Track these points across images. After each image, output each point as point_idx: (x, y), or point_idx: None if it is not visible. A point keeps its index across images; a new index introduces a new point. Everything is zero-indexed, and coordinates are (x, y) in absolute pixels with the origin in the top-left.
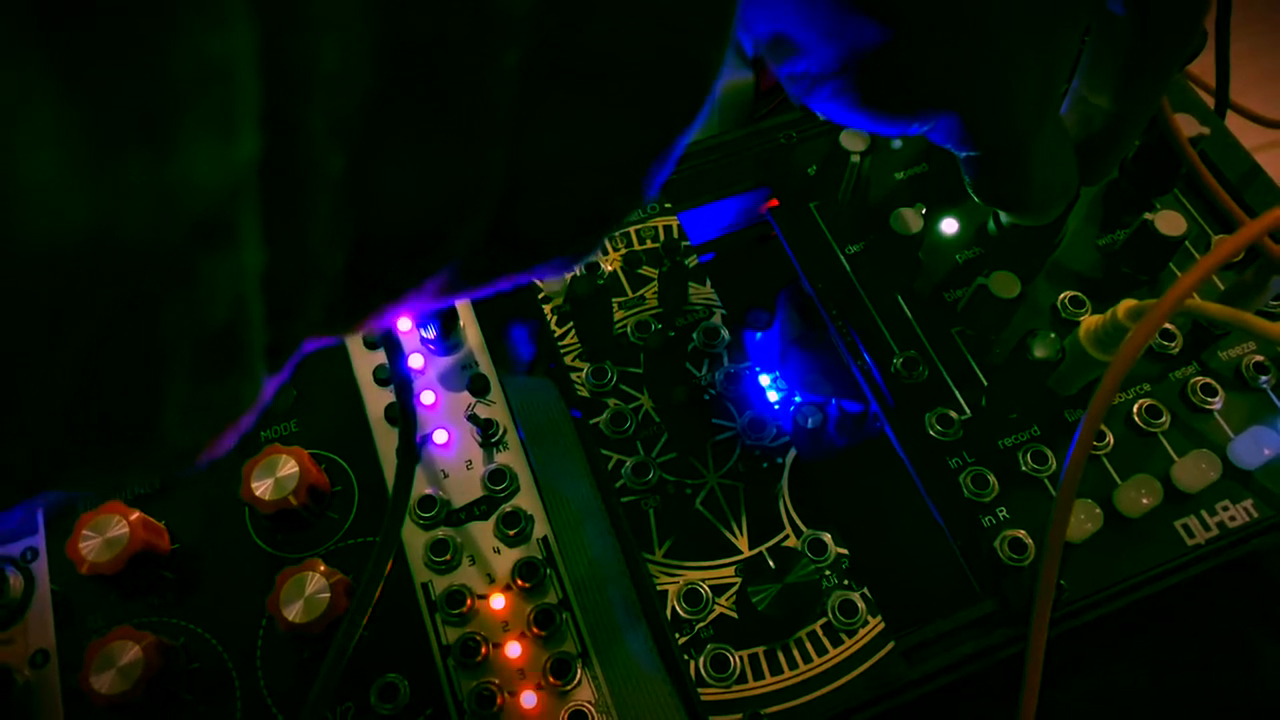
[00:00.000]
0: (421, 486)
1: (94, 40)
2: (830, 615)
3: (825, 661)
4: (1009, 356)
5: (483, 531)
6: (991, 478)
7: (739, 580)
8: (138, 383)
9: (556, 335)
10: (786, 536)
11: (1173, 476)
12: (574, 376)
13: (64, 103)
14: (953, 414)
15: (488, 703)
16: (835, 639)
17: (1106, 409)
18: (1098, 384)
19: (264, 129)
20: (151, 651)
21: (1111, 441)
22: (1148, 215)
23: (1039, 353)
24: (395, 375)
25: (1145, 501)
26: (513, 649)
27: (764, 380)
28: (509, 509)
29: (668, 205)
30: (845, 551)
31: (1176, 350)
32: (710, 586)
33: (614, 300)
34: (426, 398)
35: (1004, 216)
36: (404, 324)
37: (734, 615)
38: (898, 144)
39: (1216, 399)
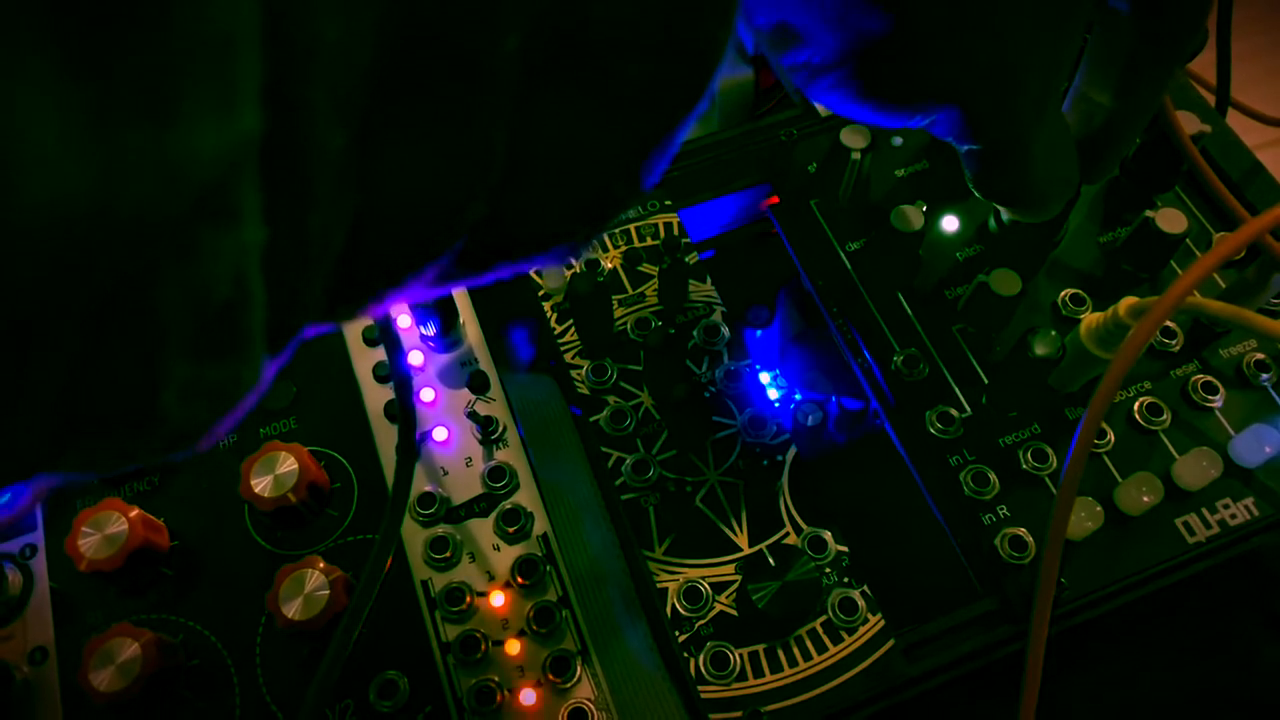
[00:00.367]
0: (421, 483)
1: (96, 10)
2: (830, 613)
3: (825, 659)
4: (1010, 354)
5: (482, 529)
6: (992, 475)
7: (739, 578)
8: (138, 359)
9: (556, 332)
10: (786, 534)
11: (1173, 474)
12: (574, 374)
13: (66, 72)
14: (953, 412)
15: (487, 700)
16: (835, 637)
17: (1107, 407)
18: (1098, 382)
19: (265, 103)
20: (150, 648)
21: (1112, 439)
22: (1149, 213)
23: (1040, 350)
24: (395, 372)
25: (1146, 499)
26: (512, 646)
27: (764, 378)
28: (509, 506)
29: (668, 202)
30: (845, 549)
31: (1177, 348)
32: (710, 584)
33: (614, 297)
34: (426, 395)
35: (1005, 213)
36: (404, 321)
37: (734, 613)
38: (898, 141)
39: (1217, 397)
